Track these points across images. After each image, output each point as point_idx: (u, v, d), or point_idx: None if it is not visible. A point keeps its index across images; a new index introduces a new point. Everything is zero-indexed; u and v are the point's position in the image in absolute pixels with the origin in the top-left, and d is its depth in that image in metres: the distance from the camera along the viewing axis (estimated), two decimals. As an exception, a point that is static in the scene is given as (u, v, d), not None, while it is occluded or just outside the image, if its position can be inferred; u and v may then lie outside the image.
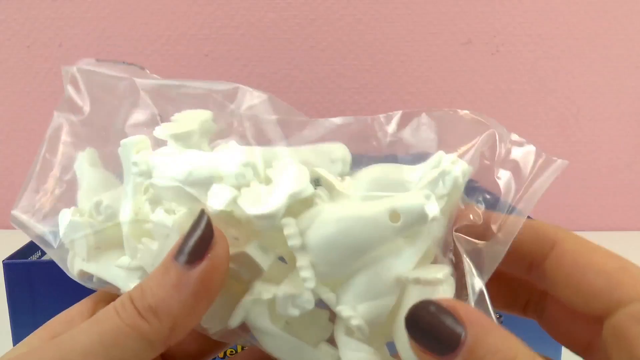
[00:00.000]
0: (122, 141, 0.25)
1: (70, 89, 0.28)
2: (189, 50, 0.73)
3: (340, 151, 0.25)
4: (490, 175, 0.23)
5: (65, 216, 0.26)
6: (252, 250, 0.22)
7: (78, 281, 0.26)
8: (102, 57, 0.27)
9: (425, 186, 0.22)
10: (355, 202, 0.23)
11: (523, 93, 0.75)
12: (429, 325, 0.18)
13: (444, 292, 0.21)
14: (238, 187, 0.22)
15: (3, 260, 0.38)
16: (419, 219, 0.21)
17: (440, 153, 0.23)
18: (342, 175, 0.24)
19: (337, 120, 0.25)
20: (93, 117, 0.28)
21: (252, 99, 0.26)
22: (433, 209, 0.21)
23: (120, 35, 0.72)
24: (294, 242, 0.21)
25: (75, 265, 0.26)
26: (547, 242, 0.23)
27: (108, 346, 0.19)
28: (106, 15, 0.72)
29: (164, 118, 0.26)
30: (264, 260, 0.23)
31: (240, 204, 0.21)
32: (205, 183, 0.22)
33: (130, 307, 0.20)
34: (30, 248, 0.42)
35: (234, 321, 0.23)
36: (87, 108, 0.28)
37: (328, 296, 0.22)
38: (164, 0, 0.72)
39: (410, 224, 0.21)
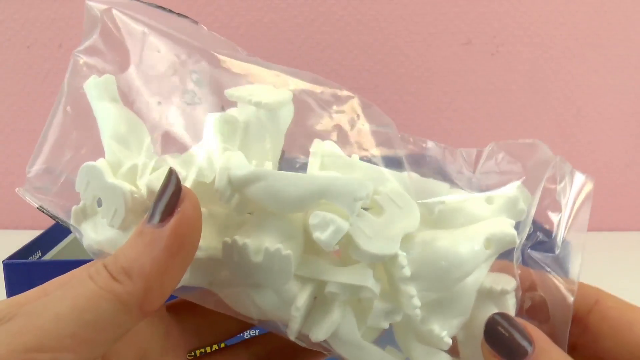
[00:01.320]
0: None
1: (96, 37, 0.25)
2: (189, 50, 0.73)
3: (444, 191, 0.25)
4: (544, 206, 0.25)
5: (91, 172, 0.23)
6: (373, 285, 0.22)
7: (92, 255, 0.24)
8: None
9: (496, 210, 0.24)
10: (452, 230, 0.23)
11: (523, 93, 0.75)
12: (503, 335, 0.22)
13: (511, 303, 0.24)
14: (346, 216, 0.21)
15: (3, 260, 0.38)
16: (509, 245, 0.23)
17: (516, 183, 0.25)
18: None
19: (430, 144, 0.26)
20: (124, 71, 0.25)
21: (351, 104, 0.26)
22: (517, 235, 0.23)
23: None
24: (404, 274, 0.22)
25: (88, 233, 0.24)
26: (590, 297, 0.25)
27: (81, 310, 0.19)
28: (106, 15, 0.72)
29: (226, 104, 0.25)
30: (378, 291, 0.23)
31: (354, 238, 0.21)
32: (314, 199, 0.21)
33: (104, 272, 0.19)
34: (30, 248, 0.42)
35: (321, 335, 0.23)
36: (120, 59, 0.25)
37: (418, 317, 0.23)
38: (163, 1, 0.71)
39: (500, 250, 0.23)
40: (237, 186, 0.22)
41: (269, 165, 0.23)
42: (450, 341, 0.23)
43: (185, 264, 0.20)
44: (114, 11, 0.25)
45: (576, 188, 0.26)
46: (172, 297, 0.25)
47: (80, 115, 0.25)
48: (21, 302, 0.20)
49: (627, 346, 0.23)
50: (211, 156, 0.22)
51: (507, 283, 0.24)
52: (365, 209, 0.22)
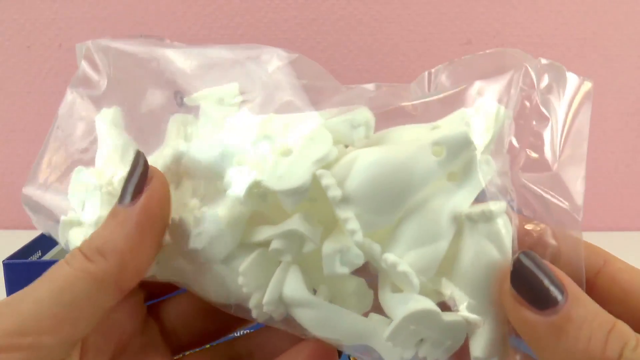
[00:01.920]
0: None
1: (85, 65, 0.26)
2: (189, 50, 0.73)
3: (362, 115, 0.23)
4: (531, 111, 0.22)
5: (81, 174, 0.24)
6: (300, 225, 0.20)
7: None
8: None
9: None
10: (390, 145, 0.21)
11: (523, 93, 0.75)
12: (532, 279, 0.19)
13: (504, 230, 0.20)
14: (257, 165, 0.21)
15: (3, 260, 0.38)
16: (463, 145, 0.20)
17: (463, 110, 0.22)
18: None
19: (370, 86, 0.25)
20: (111, 93, 0.26)
21: (278, 60, 0.25)
22: (474, 136, 0.20)
23: (120, 35, 0.72)
24: (333, 193, 0.20)
25: (73, 239, 0.24)
26: (598, 258, 0.23)
27: (59, 292, 0.19)
28: (106, 15, 0.72)
29: (188, 92, 0.25)
30: (314, 234, 0.21)
31: (264, 183, 0.20)
32: (221, 164, 0.21)
33: (79, 254, 0.20)
34: (30, 248, 0.42)
35: (270, 297, 0.21)
36: (103, 83, 0.26)
37: (372, 248, 0.20)
38: (164, 0, 0.72)
39: (454, 153, 0.20)
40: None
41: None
42: (405, 269, 0.20)
43: (157, 239, 0.21)
44: (98, 46, 0.27)
45: (570, 92, 0.22)
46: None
47: (70, 138, 0.26)
48: (6, 299, 0.21)
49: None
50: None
51: (493, 204, 0.20)
52: None
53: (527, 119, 0.22)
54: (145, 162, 0.21)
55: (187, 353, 0.28)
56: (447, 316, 0.20)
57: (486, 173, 0.21)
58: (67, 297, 0.19)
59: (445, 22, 0.73)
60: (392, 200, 0.20)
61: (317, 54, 0.73)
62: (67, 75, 0.73)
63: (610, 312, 0.20)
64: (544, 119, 0.22)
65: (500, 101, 0.22)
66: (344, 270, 0.20)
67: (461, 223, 0.20)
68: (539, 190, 0.22)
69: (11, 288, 0.37)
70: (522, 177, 0.22)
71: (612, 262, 0.22)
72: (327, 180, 0.20)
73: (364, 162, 0.20)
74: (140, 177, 0.21)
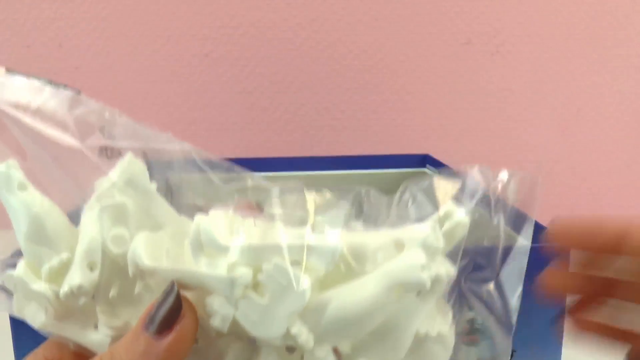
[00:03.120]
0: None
1: None
2: (189, 50, 0.73)
3: (330, 247, 0.23)
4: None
5: (17, 281, 0.23)
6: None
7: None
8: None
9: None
10: (349, 284, 0.22)
11: (523, 93, 0.75)
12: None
13: (450, 340, 0.23)
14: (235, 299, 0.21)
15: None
16: (418, 287, 0.21)
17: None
18: None
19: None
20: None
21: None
22: (428, 276, 0.21)
23: (120, 35, 0.72)
24: (308, 345, 0.21)
25: (37, 319, 0.24)
26: (623, 222, 0.25)
27: None
28: (106, 15, 0.72)
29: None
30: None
31: (242, 324, 0.21)
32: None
33: None
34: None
35: None
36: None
37: None
38: (164, 0, 0.72)
39: (411, 292, 0.22)
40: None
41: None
42: None
43: None
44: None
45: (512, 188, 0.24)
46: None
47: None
48: None
49: None
50: None
51: (443, 323, 0.23)
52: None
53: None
54: (178, 294, 0.21)
55: None
56: None
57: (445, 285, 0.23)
58: None
59: (445, 22, 0.73)
60: (357, 333, 0.22)
61: (317, 54, 0.73)
62: (67, 75, 0.73)
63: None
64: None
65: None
66: None
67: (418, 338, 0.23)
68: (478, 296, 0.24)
69: (11, 288, 0.37)
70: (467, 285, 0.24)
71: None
72: (302, 338, 0.21)
73: (329, 314, 0.21)
74: (172, 310, 0.21)
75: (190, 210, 0.23)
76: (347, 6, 0.72)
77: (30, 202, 0.23)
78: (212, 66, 0.73)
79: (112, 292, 0.23)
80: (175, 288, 0.21)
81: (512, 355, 0.40)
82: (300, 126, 0.76)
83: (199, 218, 0.22)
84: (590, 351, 0.28)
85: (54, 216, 0.23)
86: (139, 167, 0.24)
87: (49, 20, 0.72)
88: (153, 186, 0.24)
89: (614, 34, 0.73)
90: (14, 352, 0.37)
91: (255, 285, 0.21)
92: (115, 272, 0.23)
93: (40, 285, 0.23)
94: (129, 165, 0.23)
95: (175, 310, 0.20)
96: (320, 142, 0.76)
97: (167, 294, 0.21)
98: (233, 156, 0.75)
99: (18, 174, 0.23)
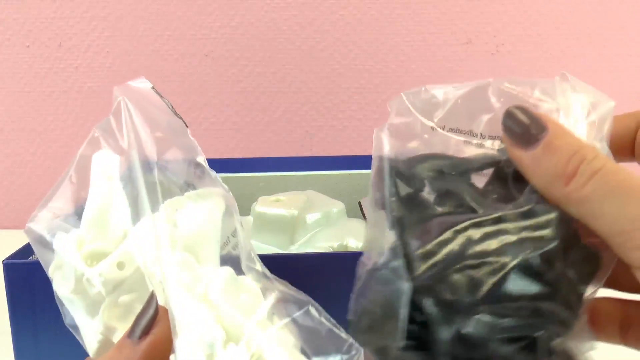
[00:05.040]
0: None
1: (112, 120, 0.27)
2: (189, 50, 0.73)
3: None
4: None
5: (62, 243, 0.26)
6: None
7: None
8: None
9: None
10: None
11: (523, 93, 0.75)
12: (516, 121, 0.22)
13: None
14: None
15: (3, 260, 0.38)
16: None
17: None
18: None
19: None
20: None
21: None
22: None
23: (120, 35, 0.72)
24: None
25: (61, 287, 0.26)
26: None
27: None
28: (106, 15, 0.72)
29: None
30: None
31: None
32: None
33: None
34: (30, 248, 0.42)
35: None
36: (124, 145, 0.27)
37: None
38: (164, 0, 0.72)
39: None
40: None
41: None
42: None
43: None
44: (126, 100, 0.27)
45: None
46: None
47: (81, 185, 0.27)
48: None
49: None
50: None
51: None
52: None
53: None
54: (156, 305, 0.23)
55: None
56: None
57: None
58: None
59: (445, 22, 0.73)
60: None
61: (317, 54, 0.73)
62: (67, 74, 0.73)
63: None
64: None
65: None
66: None
67: None
68: None
69: (11, 288, 0.37)
70: None
71: None
72: None
73: None
74: (150, 319, 0.23)
75: None
76: (347, 6, 0.72)
77: (104, 193, 0.26)
78: (212, 66, 0.73)
79: (126, 298, 0.25)
80: (155, 298, 0.23)
81: None
82: (300, 126, 0.76)
83: None
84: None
85: (120, 210, 0.26)
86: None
87: (49, 20, 0.72)
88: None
89: (614, 34, 0.73)
90: (14, 352, 0.37)
91: None
92: (139, 284, 0.25)
93: (77, 259, 0.25)
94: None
95: (153, 319, 0.23)
96: (320, 142, 0.76)
97: (147, 303, 0.23)
98: (233, 156, 0.75)
99: (114, 166, 0.27)
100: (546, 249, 0.21)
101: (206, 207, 0.26)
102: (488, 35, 0.73)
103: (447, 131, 0.25)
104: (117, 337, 0.25)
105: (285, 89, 0.74)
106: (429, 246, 0.21)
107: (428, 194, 0.23)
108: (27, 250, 0.41)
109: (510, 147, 0.23)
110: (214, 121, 0.75)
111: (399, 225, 0.22)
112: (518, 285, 0.20)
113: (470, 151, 0.24)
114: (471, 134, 0.25)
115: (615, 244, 0.20)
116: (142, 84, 0.28)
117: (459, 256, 0.21)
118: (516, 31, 0.73)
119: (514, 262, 0.20)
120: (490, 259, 0.21)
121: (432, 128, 0.25)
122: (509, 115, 0.23)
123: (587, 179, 0.20)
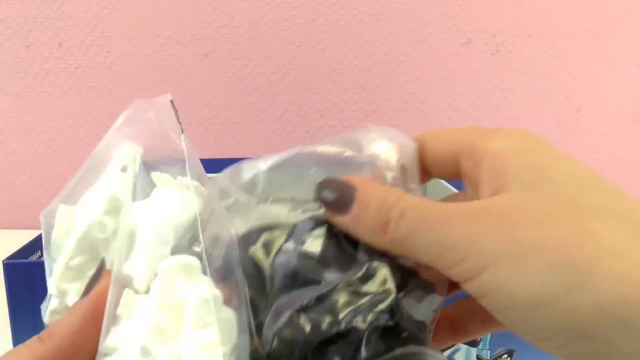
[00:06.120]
0: None
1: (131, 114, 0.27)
2: (189, 50, 0.73)
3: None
4: None
5: (62, 214, 0.26)
6: None
7: None
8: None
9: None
10: None
11: (523, 93, 0.75)
12: (330, 192, 0.24)
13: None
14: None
15: (3, 260, 0.38)
16: None
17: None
18: None
19: None
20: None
21: None
22: None
23: (120, 35, 0.72)
24: None
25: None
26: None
27: None
28: (106, 15, 0.72)
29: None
30: None
31: None
32: None
33: (36, 337, 0.24)
34: (30, 248, 0.42)
35: None
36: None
37: None
38: (164, 0, 0.72)
39: None
40: None
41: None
42: None
43: (97, 328, 0.24)
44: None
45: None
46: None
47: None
48: None
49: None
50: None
51: None
52: None
53: None
54: (102, 266, 0.25)
55: None
56: None
57: None
58: None
59: (445, 22, 0.73)
60: None
61: (317, 54, 0.73)
62: (67, 74, 0.73)
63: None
64: None
65: None
66: None
67: None
68: None
69: (11, 288, 0.37)
70: None
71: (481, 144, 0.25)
72: None
73: None
74: (94, 276, 0.24)
75: None
76: (347, 6, 0.72)
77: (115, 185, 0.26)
78: (212, 66, 0.73)
79: (76, 261, 0.26)
80: (103, 263, 0.25)
81: (512, 355, 0.40)
82: (300, 126, 0.76)
83: None
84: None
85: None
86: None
87: (49, 20, 0.72)
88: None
89: (614, 34, 0.73)
90: (14, 352, 0.37)
91: None
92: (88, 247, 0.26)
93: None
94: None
95: (96, 277, 0.24)
96: (320, 142, 0.76)
97: (98, 269, 0.25)
98: (233, 156, 0.75)
99: (134, 159, 0.27)
100: (387, 303, 0.22)
101: (185, 196, 0.25)
102: (488, 35, 0.73)
103: (271, 203, 0.26)
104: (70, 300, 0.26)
105: (285, 89, 0.74)
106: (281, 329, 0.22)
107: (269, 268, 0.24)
108: (27, 250, 0.41)
109: (331, 216, 0.24)
110: (214, 121, 0.75)
111: (252, 306, 0.23)
112: (375, 346, 0.23)
113: (297, 217, 0.25)
114: (294, 200, 0.26)
115: (439, 268, 0.22)
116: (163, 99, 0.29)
117: (310, 334, 0.22)
118: (516, 31, 0.73)
119: (365, 328, 0.22)
120: (342, 329, 0.22)
121: (257, 202, 0.26)
122: (319, 190, 0.24)
123: (397, 222, 0.22)
